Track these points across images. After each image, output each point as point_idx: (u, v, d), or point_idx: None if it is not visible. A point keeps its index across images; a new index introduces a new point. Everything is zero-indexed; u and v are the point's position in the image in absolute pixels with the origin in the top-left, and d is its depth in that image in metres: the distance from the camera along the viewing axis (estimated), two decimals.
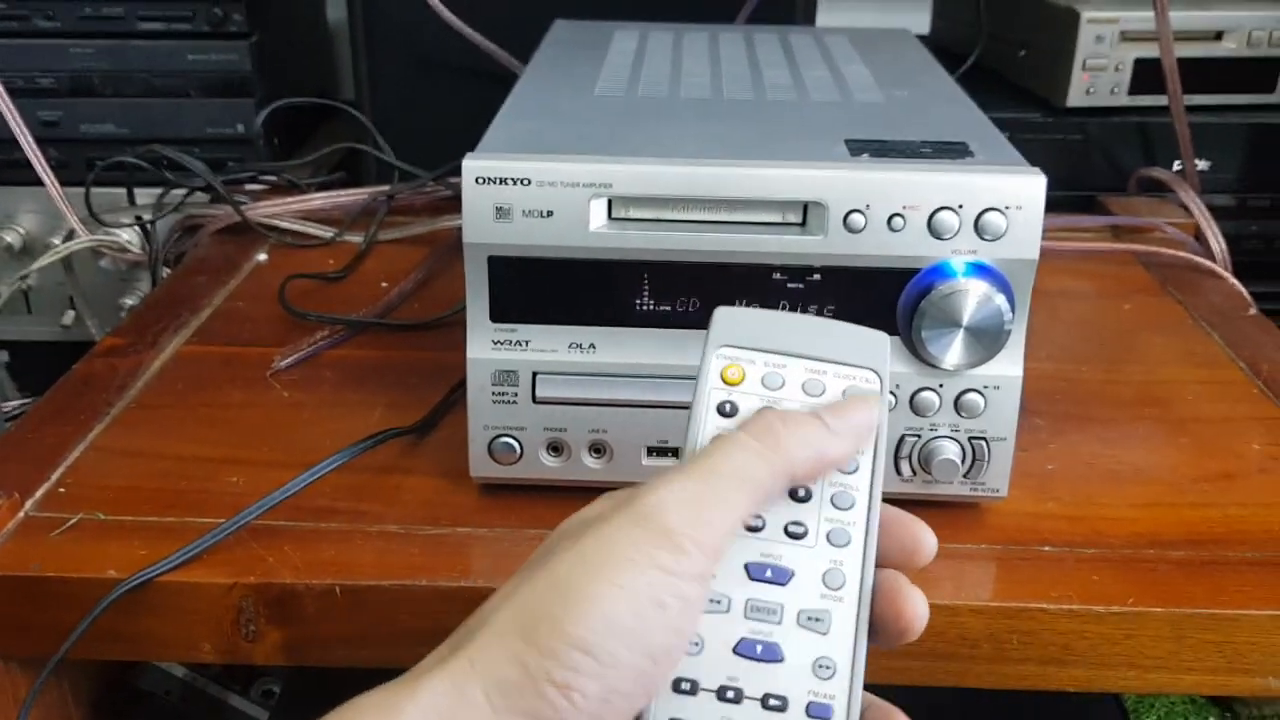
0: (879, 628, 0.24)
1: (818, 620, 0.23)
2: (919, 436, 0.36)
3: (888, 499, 0.37)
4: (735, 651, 0.23)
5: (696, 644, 0.23)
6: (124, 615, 0.33)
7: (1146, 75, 0.62)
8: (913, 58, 0.51)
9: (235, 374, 0.45)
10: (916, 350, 0.35)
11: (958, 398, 0.35)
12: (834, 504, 0.24)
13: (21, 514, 0.36)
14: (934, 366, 0.35)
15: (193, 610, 0.34)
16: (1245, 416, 0.44)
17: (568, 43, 0.52)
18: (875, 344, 0.26)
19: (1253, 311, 0.52)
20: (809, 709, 0.22)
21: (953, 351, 0.34)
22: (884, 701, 0.24)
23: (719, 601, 0.23)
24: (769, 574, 0.23)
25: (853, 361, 0.26)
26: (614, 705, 0.21)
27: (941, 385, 0.35)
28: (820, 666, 0.23)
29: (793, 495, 0.24)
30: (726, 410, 0.25)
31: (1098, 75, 0.62)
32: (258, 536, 0.35)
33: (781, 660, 0.23)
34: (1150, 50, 0.61)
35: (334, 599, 0.33)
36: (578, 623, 0.20)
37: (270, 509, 0.35)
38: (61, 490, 0.38)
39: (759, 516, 0.24)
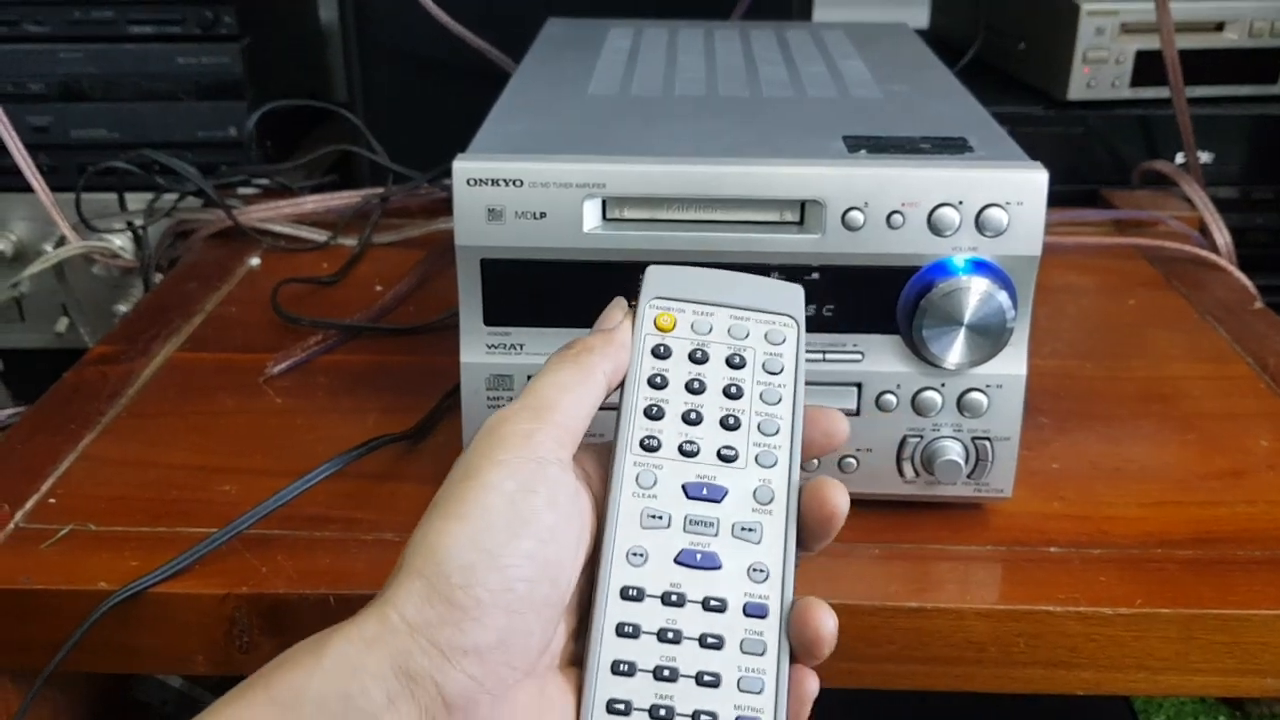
0: (807, 529, 0.26)
1: (750, 531, 0.26)
2: (921, 437, 0.35)
3: (891, 502, 0.36)
4: (677, 561, 0.25)
5: (640, 555, 0.25)
6: (116, 627, 0.33)
7: (1148, 67, 0.61)
8: (911, 52, 0.50)
9: (228, 381, 0.45)
10: (918, 349, 0.34)
11: (960, 397, 0.35)
12: (760, 430, 0.27)
13: (11, 525, 0.36)
14: (936, 366, 0.34)
15: (185, 622, 0.33)
16: (1252, 412, 0.43)
17: (561, 41, 0.51)
18: (792, 294, 0.29)
19: (1258, 305, 0.52)
20: (745, 609, 0.25)
21: (955, 350, 0.34)
22: (813, 597, 0.25)
23: (659, 518, 0.25)
24: (705, 492, 0.26)
25: (772, 309, 0.29)
26: (520, 594, 0.23)
27: (944, 385, 0.35)
28: (754, 571, 0.25)
29: (723, 424, 0.27)
30: (660, 352, 0.28)
31: (1098, 68, 0.62)
32: (251, 546, 0.35)
33: (719, 568, 0.25)
34: (1151, 42, 0.60)
35: (328, 608, 0.33)
36: (461, 528, 0.23)
37: (263, 518, 0.35)
38: (52, 501, 0.37)
39: (692, 442, 0.26)
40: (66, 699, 0.38)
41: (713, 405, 0.27)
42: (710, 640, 0.24)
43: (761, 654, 0.24)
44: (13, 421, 0.46)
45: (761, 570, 0.25)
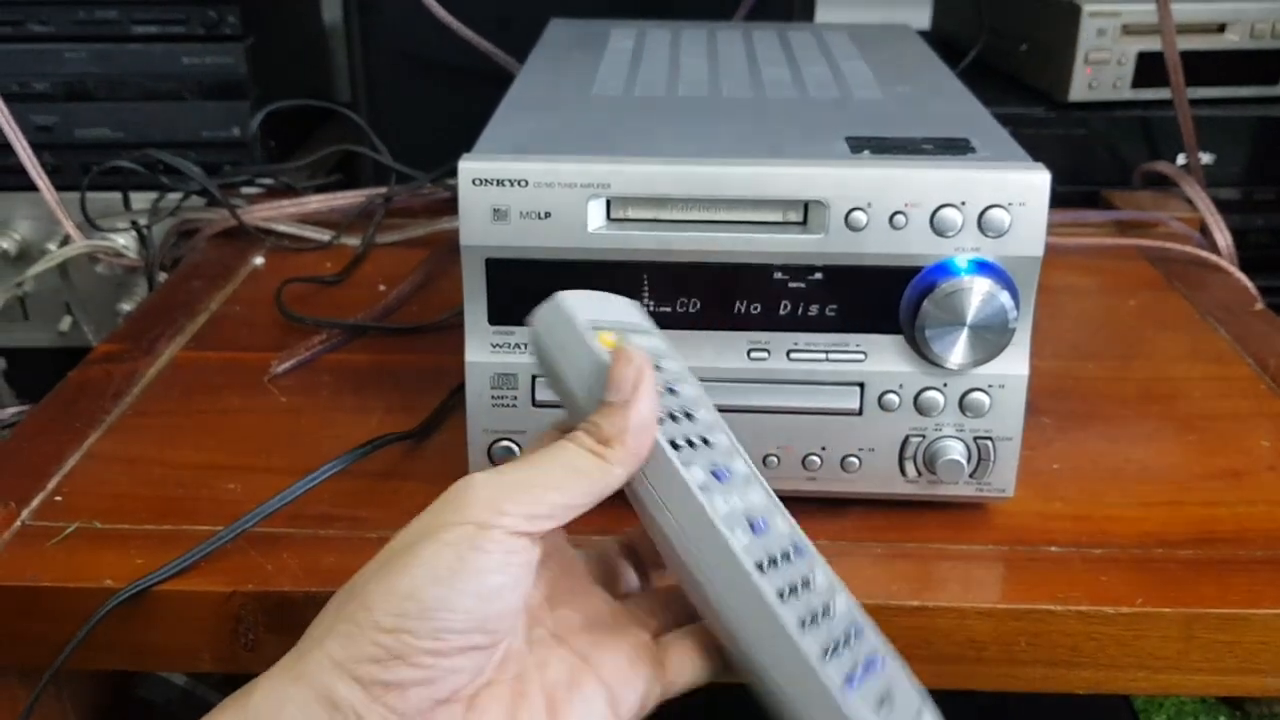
0: None
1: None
2: (924, 437, 0.35)
3: (893, 501, 0.36)
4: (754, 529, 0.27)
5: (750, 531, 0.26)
6: (121, 625, 0.33)
7: (1149, 68, 0.61)
8: (913, 53, 0.50)
9: (232, 379, 0.45)
10: (920, 349, 0.34)
11: (962, 397, 0.35)
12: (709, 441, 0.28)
13: (18, 523, 0.36)
14: (938, 366, 0.34)
15: (191, 619, 0.33)
16: (1253, 413, 0.43)
17: (564, 42, 0.51)
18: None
19: (1259, 306, 0.52)
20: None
21: (957, 350, 0.34)
22: None
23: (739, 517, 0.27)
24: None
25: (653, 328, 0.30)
26: (451, 642, 0.23)
27: (946, 385, 0.35)
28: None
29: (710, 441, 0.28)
30: None
31: (1100, 69, 0.62)
32: (256, 544, 0.35)
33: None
34: (1153, 43, 0.61)
35: None
36: (398, 581, 0.23)
37: (268, 516, 0.35)
38: (58, 499, 0.37)
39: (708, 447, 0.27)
40: (72, 696, 0.39)
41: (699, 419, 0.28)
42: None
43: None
44: (17, 420, 0.46)
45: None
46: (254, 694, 0.24)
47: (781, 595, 0.26)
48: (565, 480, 0.25)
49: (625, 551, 0.30)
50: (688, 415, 0.28)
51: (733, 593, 0.26)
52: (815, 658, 0.25)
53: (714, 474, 0.27)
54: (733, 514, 0.26)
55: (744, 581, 0.25)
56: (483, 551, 0.23)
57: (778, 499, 0.28)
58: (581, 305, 0.28)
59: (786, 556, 0.27)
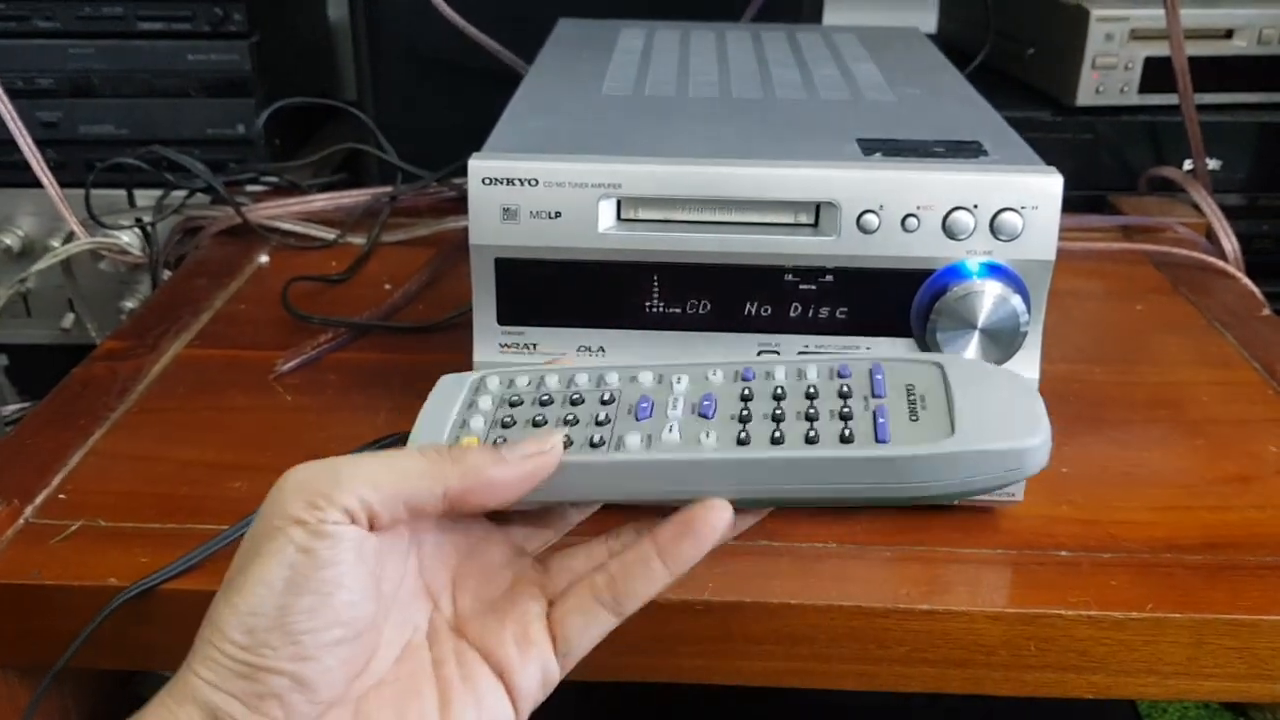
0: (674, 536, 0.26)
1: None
2: None
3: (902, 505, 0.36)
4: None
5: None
6: (125, 624, 0.33)
7: (1157, 74, 0.61)
8: (923, 56, 0.50)
9: (237, 377, 0.45)
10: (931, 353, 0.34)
11: None
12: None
13: (21, 521, 0.36)
14: None
15: (196, 619, 0.33)
16: (1261, 418, 0.43)
17: (573, 41, 0.51)
18: None
19: (1266, 312, 0.52)
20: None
21: (968, 354, 0.34)
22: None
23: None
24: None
25: None
26: (308, 644, 0.23)
27: None
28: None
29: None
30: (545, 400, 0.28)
31: (1107, 74, 0.62)
32: None
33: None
34: (1160, 48, 0.61)
35: None
36: (240, 600, 0.23)
37: None
38: (62, 496, 0.37)
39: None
40: (74, 694, 0.38)
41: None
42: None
43: None
44: (19, 416, 0.46)
45: None
46: (145, 717, 0.24)
47: (775, 438, 0.25)
48: (388, 471, 0.24)
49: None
50: (603, 399, 0.27)
51: (736, 475, 0.25)
52: (832, 444, 0.25)
53: (641, 422, 0.26)
54: (684, 433, 0.26)
55: (740, 464, 0.25)
56: (308, 553, 0.23)
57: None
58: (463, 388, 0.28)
59: (746, 396, 0.26)
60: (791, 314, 0.34)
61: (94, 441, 0.40)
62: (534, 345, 0.35)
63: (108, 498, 0.37)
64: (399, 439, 0.39)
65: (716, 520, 0.25)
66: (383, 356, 0.47)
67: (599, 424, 0.27)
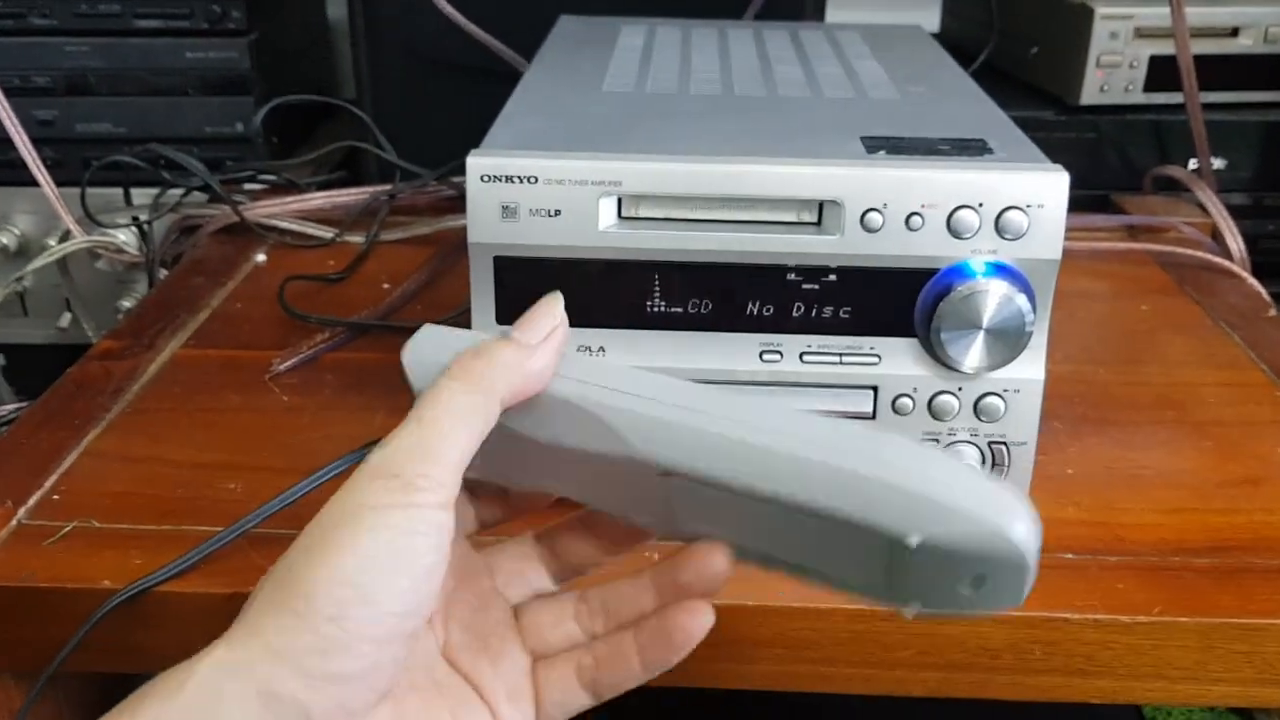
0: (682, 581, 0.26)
1: None
2: (937, 441, 0.35)
3: None
4: None
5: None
6: (119, 626, 0.32)
7: (1161, 72, 0.61)
8: (927, 54, 0.50)
9: (233, 377, 0.44)
10: (935, 353, 0.34)
11: (977, 401, 0.34)
12: None
13: (14, 522, 0.35)
14: (953, 369, 0.34)
15: (190, 621, 0.33)
16: (1268, 419, 0.43)
17: (573, 38, 0.51)
18: None
19: (1272, 312, 0.52)
20: None
21: (972, 354, 0.33)
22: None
23: None
24: None
25: None
26: (392, 627, 0.23)
27: (960, 389, 0.34)
28: None
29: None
30: None
31: (1112, 72, 0.61)
32: (257, 545, 0.34)
33: None
34: (1165, 47, 0.60)
35: None
36: (337, 562, 0.22)
37: (269, 516, 0.34)
38: (55, 497, 0.37)
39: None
40: (67, 698, 0.38)
41: None
42: None
43: None
44: (15, 416, 0.45)
45: None
46: (188, 682, 0.22)
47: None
48: (462, 438, 0.24)
49: (544, 550, 0.28)
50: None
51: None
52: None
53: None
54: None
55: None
56: (414, 533, 0.23)
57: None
58: (448, 339, 0.26)
59: None
60: (794, 313, 0.34)
61: (88, 442, 0.40)
62: None
63: (102, 499, 0.37)
64: None
65: (695, 627, 0.25)
66: (380, 356, 0.47)
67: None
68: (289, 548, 0.23)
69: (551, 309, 0.26)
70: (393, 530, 0.22)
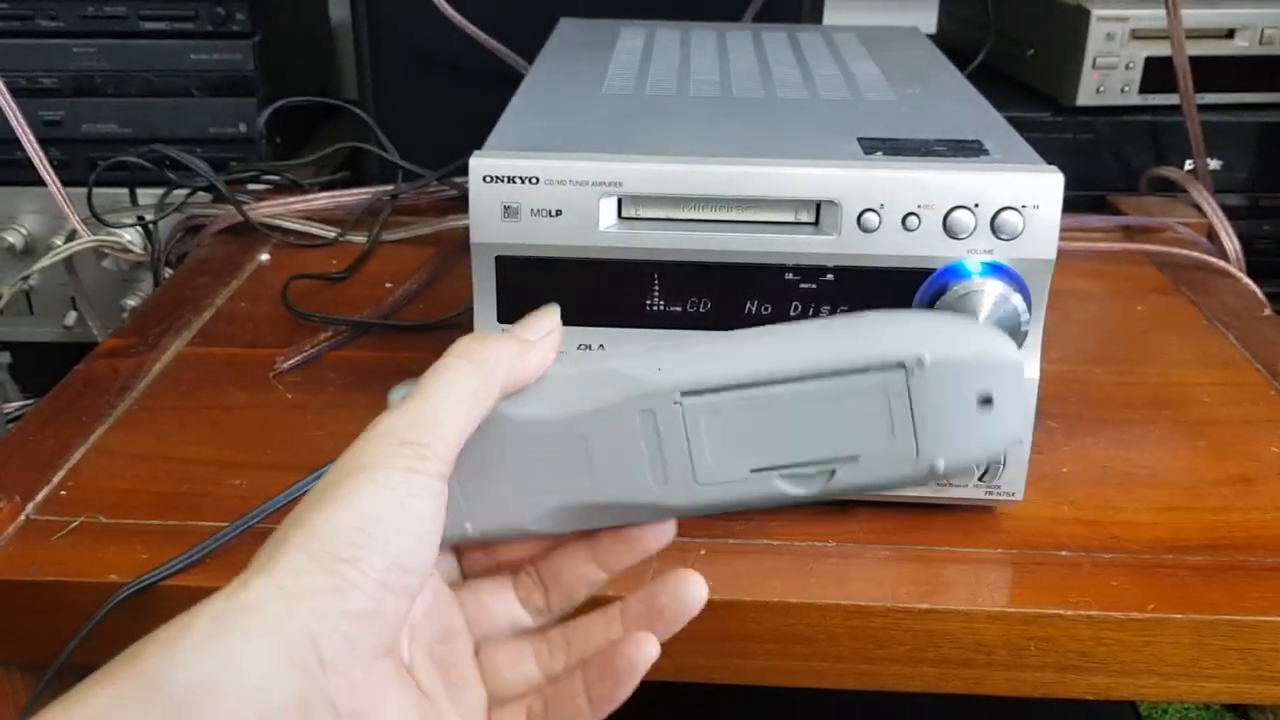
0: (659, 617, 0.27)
1: None
2: None
3: (901, 504, 0.36)
4: None
5: None
6: (126, 620, 0.33)
7: (1158, 73, 0.61)
8: (923, 56, 0.50)
9: (238, 375, 0.45)
10: None
11: None
12: None
13: (22, 517, 0.36)
14: None
15: None
16: (1263, 419, 0.43)
17: (574, 41, 0.51)
18: None
19: (1267, 312, 0.52)
20: None
21: None
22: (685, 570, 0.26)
23: None
24: None
25: None
26: (398, 577, 0.23)
27: None
28: None
29: None
30: None
31: (1108, 74, 0.62)
32: (261, 540, 0.34)
33: None
34: (1161, 48, 0.61)
35: None
36: (352, 509, 0.23)
37: (274, 512, 0.35)
38: (63, 493, 0.37)
39: None
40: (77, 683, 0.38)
41: None
42: None
43: None
44: (22, 413, 0.46)
45: None
46: (194, 625, 0.22)
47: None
48: (462, 418, 0.25)
49: (530, 583, 0.28)
50: None
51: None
52: None
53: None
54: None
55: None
56: (415, 497, 0.24)
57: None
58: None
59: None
60: (792, 313, 0.34)
61: (95, 439, 0.40)
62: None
63: (109, 495, 0.37)
64: None
65: (639, 656, 0.25)
66: (383, 355, 0.47)
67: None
68: (294, 508, 0.24)
69: (550, 314, 0.27)
70: (396, 490, 0.23)
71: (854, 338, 0.25)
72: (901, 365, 0.24)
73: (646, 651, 0.25)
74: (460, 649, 0.27)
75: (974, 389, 0.24)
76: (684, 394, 0.26)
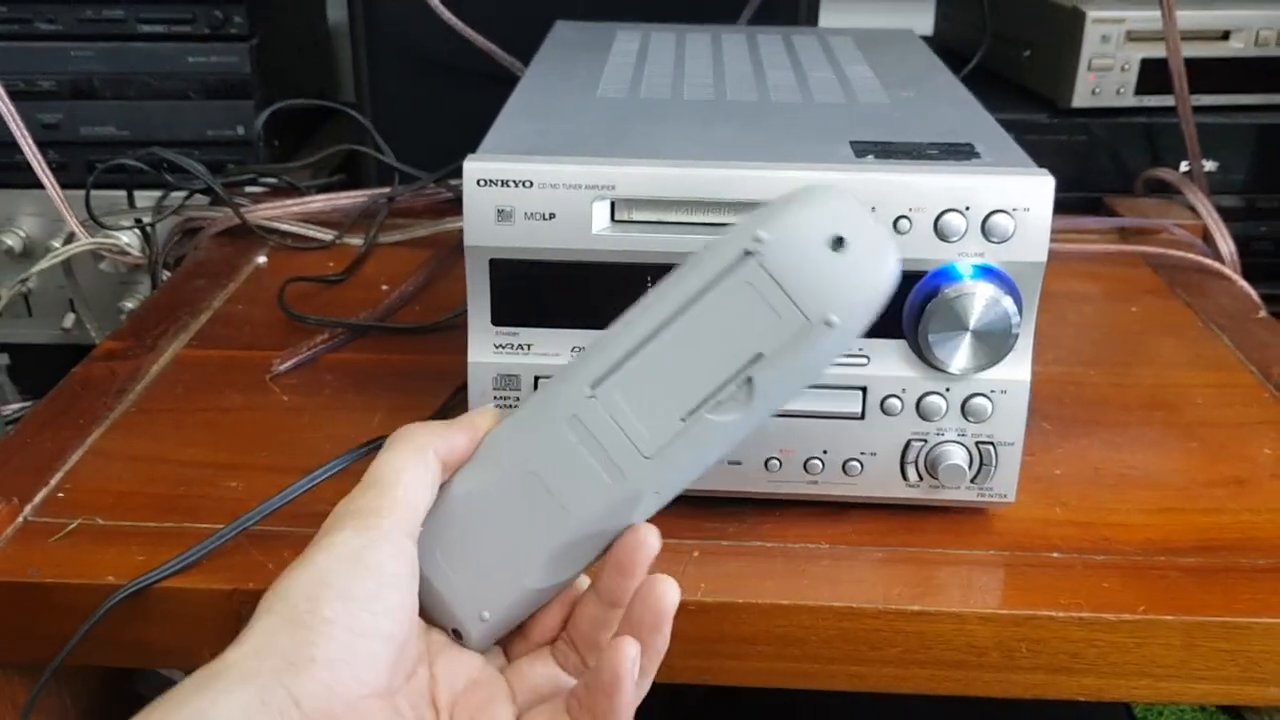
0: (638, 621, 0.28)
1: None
2: (925, 441, 0.35)
3: (894, 506, 0.36)
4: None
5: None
6: (123, 622, 0.33)
7: (1153, 75, 0.62)
8: (917, 59, 0.50)
9: (235, 378, 0.45)
10: (923, 354, 0.34)
11: (965, 402, 0.35)
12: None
13: (20, 519, 0.36)
14: (941, 371, 0.34)
15: (192, 617, 0.33)
16: (1256, 421, 0.43)
17: (569, 44, 0.51)
18: None
19: (1262, 314, 0.52)
20: None
21: (960, 355, 0.34)
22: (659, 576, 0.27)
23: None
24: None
25: None
26: (363, 621, 0.25)
27: (948, 389, 0.35)
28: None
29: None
30: None
31: (1103, 75, 0.62)
32: (257, 542, 0.35)
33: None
34: (1157, 50, 0.61)
35: None
36: (307, 568, 0.26)
37: (270, 514, 0.35)
38: (60, 495, 0.37)
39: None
40: (72, 692, 0.39)
41: None
42: None
43: None
44: (20, 415, 0.46)
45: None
46: (184, 706, 0.23)
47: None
48: (399, 472, 0.28)
49: (559, 654, 0.30)
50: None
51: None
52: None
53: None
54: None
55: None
56: (374, 546, 0.26)
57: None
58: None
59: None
60: None
61: (93, 441, 0.41)
62: (528, 346, 0.35)
63: (106, 496, 0.37)
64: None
65: (619, 663, 0.26)
66: (379, 357, 0.47)
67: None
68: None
69: (484, 412, 0.30)
70: (353, 544, 0.26)
71: (699, 261, 0.27)
72: (747, 253, 0.26)
73: (628, 654, 0.26)
74: (499, 712, 0.28)
75: (820, 237, 0.25)
76: (593, 386, 0.27)
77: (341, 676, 0.24)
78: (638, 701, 0.27)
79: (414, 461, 0.28)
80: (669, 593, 0.26)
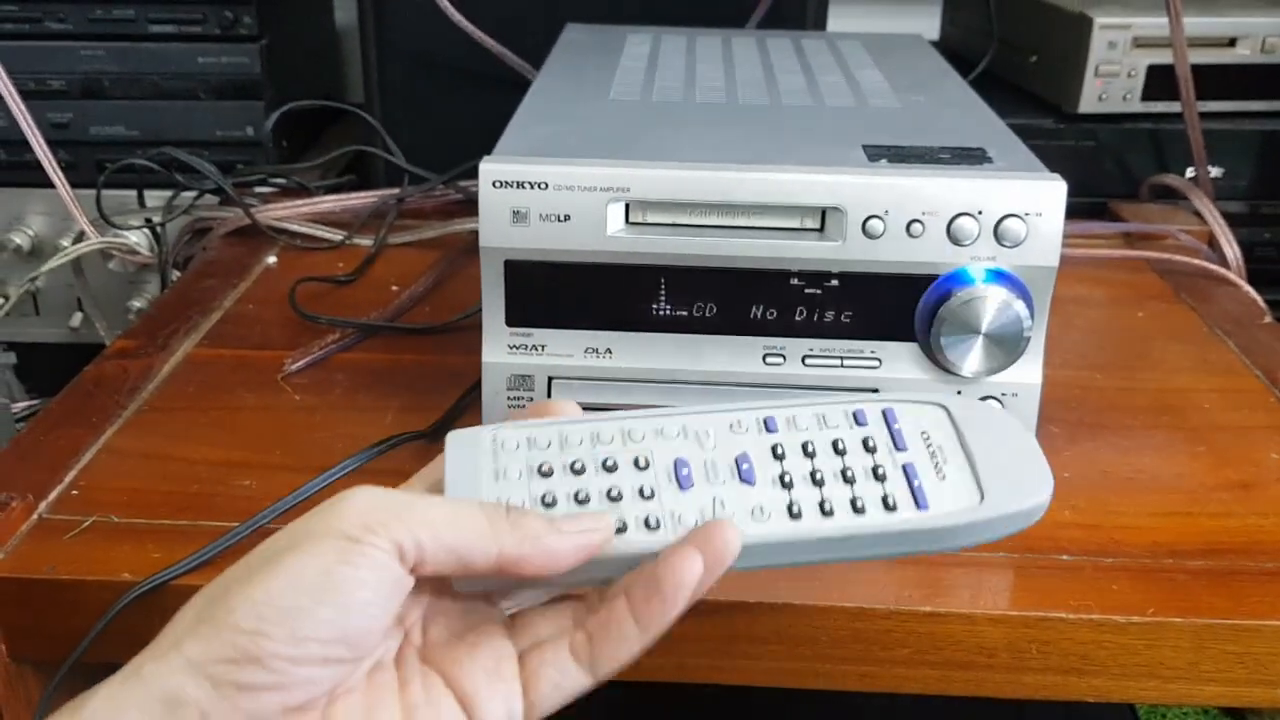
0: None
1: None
2: None
3: None
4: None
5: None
6: (139, 618, 0.33)
7: (1159, 81, 0.62)
8: (927, 63, 0.51)
9: (246, 377, 0.45)
10: (935, 357, 0.34)
11: None
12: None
13: (35, 516, 0.36)
14: (952, 374, 0.35)
15: None
16: (1263, 425, 0.43)
17: (580, 47, 0.52)
18: None
19: (1268, 319, 0.52)
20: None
21: (971, 359, 0.34)
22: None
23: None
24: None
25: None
26: (308, 650, 0.23)
27: (959, 392, 0.35)
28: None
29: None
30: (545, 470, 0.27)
31: (1110, 81, 0.62)
32: None
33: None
34: (1163, 56, 0.61)
35: None
36: (262, 583, 0.23)
37: (283, 513, 0.35)
38: (75, 493, 0.38)
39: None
40: (87, 689, 0.39)
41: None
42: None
43: None
44: (28, 414, 0.46)
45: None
46: (91, 699, 0.23)
47: (825, 510, 0.27)
48: (449, 520, 0.24)
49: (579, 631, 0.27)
50: (638, 464, 0.27)
51: (788, 553, 0.27)
52: (878, 511, 0.27)
53: (686, 493, 0.27)
54: (737, 507, 0.27)
55: (794, 543, 0.27)
56: (350, 565, 0.23)
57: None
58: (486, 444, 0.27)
59: (779, 454, 0.27)
60: (797, 318, 0.35)
61: (106, 439, 0.41)
62: (542, 347, 0.35)
63: (120, 494, 0.37)
64: (407, 439, 0.40)
65: (684, 576, 0.25)
66: (390, 357, 0.47)
67: (645, 498, 0.26)
68: (233, 564, 0.25)
69: (598, 519, 0.26)
70: (327, 559, 0.23)
71: None
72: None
73: (692, 568, 0.25)
74: (484, 618, 0.27)
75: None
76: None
77: (266, 703, 0.23)
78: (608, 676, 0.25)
79: (477, 529, 0.24)
80: (733, 540, 0.25)
